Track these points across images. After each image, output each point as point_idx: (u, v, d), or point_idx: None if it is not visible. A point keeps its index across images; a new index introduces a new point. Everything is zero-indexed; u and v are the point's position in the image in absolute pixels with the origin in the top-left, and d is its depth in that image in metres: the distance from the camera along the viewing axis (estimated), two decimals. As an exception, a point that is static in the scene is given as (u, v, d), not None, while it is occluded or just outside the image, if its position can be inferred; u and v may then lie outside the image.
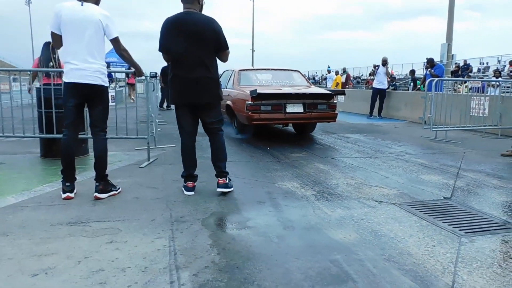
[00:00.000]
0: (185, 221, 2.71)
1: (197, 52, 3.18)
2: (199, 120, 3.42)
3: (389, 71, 11.47)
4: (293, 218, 2.83)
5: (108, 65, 22.71)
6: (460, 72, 22.71)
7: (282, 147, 5.95)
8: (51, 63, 5.67)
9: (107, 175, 3.27)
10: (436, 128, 6.85)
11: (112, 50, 21.41)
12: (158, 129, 7.29)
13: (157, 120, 5.64)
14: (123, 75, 29.83)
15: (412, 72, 18.28)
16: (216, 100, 3.40)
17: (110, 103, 3.64)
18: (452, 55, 24.64)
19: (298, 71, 7.62)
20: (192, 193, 3.37)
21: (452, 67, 22.73)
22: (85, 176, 3.92)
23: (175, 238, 2.42)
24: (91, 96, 3.15)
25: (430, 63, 10.30)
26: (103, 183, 3.21)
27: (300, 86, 6.77)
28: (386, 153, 5.59)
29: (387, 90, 11.66)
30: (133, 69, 3.66)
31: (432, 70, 9.78)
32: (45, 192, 3.36)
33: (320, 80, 32.47)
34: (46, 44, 5.78)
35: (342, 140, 6.76)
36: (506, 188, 3.77)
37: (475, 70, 25.04)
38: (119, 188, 3.37)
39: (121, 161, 4.70)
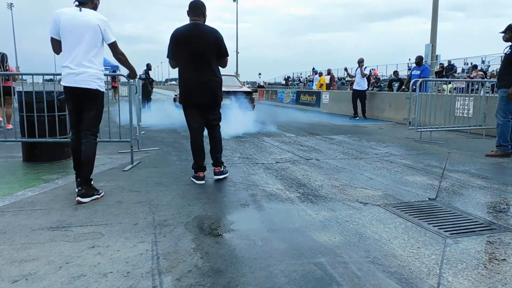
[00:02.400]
0: (168, 224, 2.67)
1: (204, 58, 3.64)
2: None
3: (364, 72, 11.57)
4: (277, 221, 2.82)
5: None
6: (444, 73, 23.15)
7: (265, 150, 5.94)
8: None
9: (91, 179, 3.24)
10: (421, 129, 6.95)
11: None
12: (142, 132, 7.22)
13: (140, 123, 5.57)
14: (107, 78, 29.50)
15: (396, 73, 18.57)
16: (220, 100, 3.89)
17: None
18: (437, 55, 25.06)
19: (235, 75, 12.23)
20: (203, 182, 3.81)
21: (437, 68, 23.15)
22: (68, 180, 3.84)
23: (158, 242, 2.37)
24: (86, 100, 3.19)
25: (419, 61, 10.38)
26: (85, 187, 3.16)
27: (234, 86, 9.98)
28: (370, 154, 5.64)
29: (367, 91, 11.74)
30: (118, 72, 3.68)
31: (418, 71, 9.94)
32: (27, 197, 3.28)
33: (305, 82, 32.65)
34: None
35: (327, 142, 6.79)
36: (491, 188, 3.84)
37: (459, 70, 25.52)
38: (101, 192, 3.32)
39: (104, 164, 4.62)
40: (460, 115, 7.96)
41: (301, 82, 34.58)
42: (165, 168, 4.46)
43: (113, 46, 3.22)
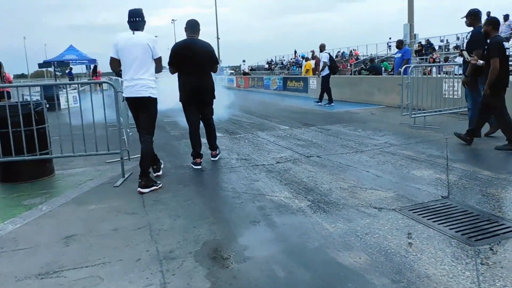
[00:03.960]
0: (176, 257, 2.40)
1: (200, 66, 4.53)
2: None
3: (319, 58, 11.49)
4: (293, 240, 2.59)
5: (68, 63, 21.47)
6: (423, 51, 23.15)
7: (262, 148, 5.68)
8: None
9: (149, 172, 3.86)
10: (415, 114, 6.80)
11: (69, 47, 20.24)
12: (129, 134, 6.83)
13: (128, 130, 5.20)
14: (84, 71, 28.22)
15: (372, 60, 17.75)
16: (213, 98, 4.79)
17: (73, 105, 4.07)
18: (415, 34, 25.08)
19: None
20: (200, 167, 4.60)
21: (416, 47, 23.13)
22: (53, 204, 3.50)
23: (167, 283, 2.11)
24: (141, 106, 3.84)
25: (399, 44, 10.27)
26: (145, 179, 3.72)
27: None
28: (370, 145, 5.45)
29: (331, 76, 11.44)
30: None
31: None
32: (7, 232, 2.92)
33: (288, 65, 32.24)
34: None
35: (323, 133, 6.58)
36: (499, 179, 3.71)
37: (436, 48, 25.58)
38: (159, 184, 3.83)
39: (92, 179, 4.27)
40: (450, 96, 7.85)
41: (284, 65, 34.14)
42: (161, 179, 4.15)
43: (158, 61, 3.90)
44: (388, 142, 5.66)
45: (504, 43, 4.90)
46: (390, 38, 33.32)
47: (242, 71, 25.45)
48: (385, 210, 3.08)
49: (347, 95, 12.03)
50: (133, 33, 3.76)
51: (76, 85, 5.49)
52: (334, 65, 11.39)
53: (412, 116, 6.79)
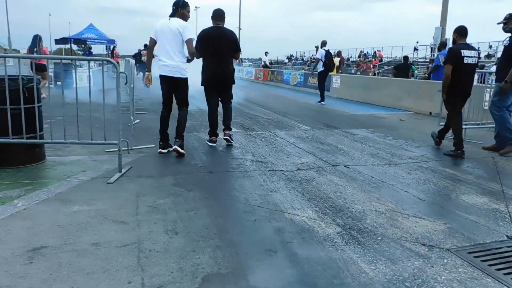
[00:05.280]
0: (165, 297, 1.80)
1: (224, 53, 4.91)
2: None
3: (316, 56, 11.46)
4: (322, 287, 1.96)
5: (85, 41, 21.07)
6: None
7: (281, 150, 5.04)
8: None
9: (183, 135, 4.43)
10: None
11: (89, 26, 19.97)
12: (136, 121, 6.27)
13: (132, 118, 4.63)
14: (104, 52, 27.92)
15: (406, 58, 17.01)
16: (232, 83, 5.14)
17: (85, 85, 4.55)
18: (446, 39, 23.93)
19: None
20: (215, 145, 4.99)
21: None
22: (31, 199, 2.93)
23: None
24: (174, 85, 4.38)
25: (441, 46, 9.36)
26: (181, 141, 4.37)
27: None
28: (404, 158, 4.76)
29: (330, 73, 11.41)
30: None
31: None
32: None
33: (309, 61, 31.33)
34: (34, 37, 8.65)
35: (349, 138, 5.89)
36: None
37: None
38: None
39: (85, 171, 3.71)
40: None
41: (304, 61, 33.25)
42: (163, 179, 3.57)
43: (189, 42, 4.28)
44: (425, 155, 4.96)
45: (463, 51, 4.80)
46: (417, 42, 32.16)
47: (263, 63, 24.38)
48: (438, 249, 2.42)
49: (373, 98, 11.24)
50: (169, 19, 4.30)
51: (88, 65, 5.04)
52: (328, 63, 10.90)
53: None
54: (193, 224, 2.62)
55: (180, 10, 4.32)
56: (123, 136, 3.74)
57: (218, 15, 4.93)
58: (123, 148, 3.76)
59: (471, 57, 4.86)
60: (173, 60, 4.24)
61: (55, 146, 4.38)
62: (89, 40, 20.71)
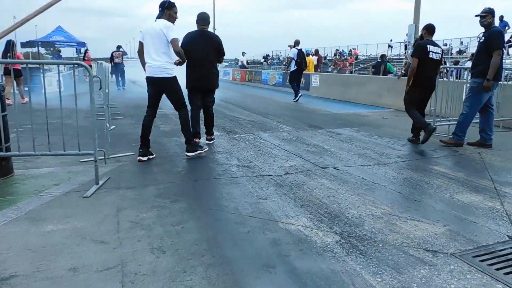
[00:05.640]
0: (155, 331, 1.58)
1: (208, 56, 4.91)
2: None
3: (290, 55, 11.53)
4: (329, 305, 1.79)
5: (54, 44, 20.22)
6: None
7: (266, 153, 4.87)
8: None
9: (191, 138, 4.42)
10: (440, 122, 6.06)
11: (57, 28, 19.22)
12: (112, 127, 5.97)
13: (107, 125, 4.35)
14: (74, 55, 27.00)
15: (383, 56, 17.24)
16: (216, 87, 5.19)
17: (55, 90, 3.99)
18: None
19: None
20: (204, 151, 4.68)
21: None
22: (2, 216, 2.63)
23: None
24: (162, 86, 4.27)
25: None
26: (189, 146, 4.37)
27: None
28: (392, 157, 4.68)
29: (310, 72, 11.76)
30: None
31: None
32: None
33: (286, 61, 31.30)
34: (8, 42, 8.46)
35: (334, 138, 5.79)
36: None
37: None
38: (205, 148, 4.63)
39: (58, 184, 3.41)
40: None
41: (280, 60, 33.23)
42: (145, 189, 3.32)
43: (173, 42, 4.12)
44: (413, 153, 4.91)
45: (429, 46, 5.16)
46: (391, 40, 32.75)
47: (240, 63, 24.08)
48: (442, 255, 2.31)
49: (353, 95, 11.26)
50: (155, 21, 4.25)
51: (58, 69, 4.69)
52: (301, 61, 11.00)
53: (436, 124, 6.03)
54: (181, 239, 2.41)
55: (167, 11, 4.24)
56: (99, 145, 3.47)
57: (203, 18, 4.95)
58: (99, 158, 3.49)
59: (436, 53, 5.22)
60: (157, 61, 4.16)
61: (24, 157, 4.05)
62: (58, 43, 19.89)
